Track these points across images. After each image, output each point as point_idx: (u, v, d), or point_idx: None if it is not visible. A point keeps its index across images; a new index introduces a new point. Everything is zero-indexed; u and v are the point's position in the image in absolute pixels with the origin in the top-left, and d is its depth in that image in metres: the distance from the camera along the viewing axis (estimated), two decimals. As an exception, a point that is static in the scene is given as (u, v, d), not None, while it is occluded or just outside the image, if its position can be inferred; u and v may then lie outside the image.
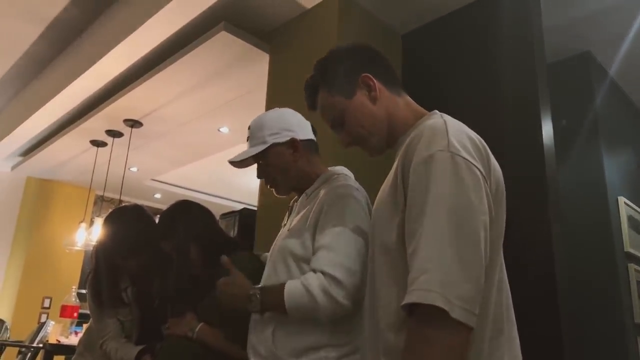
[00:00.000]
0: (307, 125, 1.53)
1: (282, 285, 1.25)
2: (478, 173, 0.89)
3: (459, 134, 0.94)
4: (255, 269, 1.48)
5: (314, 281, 1.20)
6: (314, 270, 1.23)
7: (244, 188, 6.42)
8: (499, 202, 0.95)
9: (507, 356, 0.90)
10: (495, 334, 0.89)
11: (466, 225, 0.84)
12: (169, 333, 1.64)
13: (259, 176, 1.51)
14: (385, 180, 1.07)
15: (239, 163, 1.50)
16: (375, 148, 1.15)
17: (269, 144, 1.44)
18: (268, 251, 1.52)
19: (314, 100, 1.22)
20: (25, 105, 4.47)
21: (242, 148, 1.54)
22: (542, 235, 2.03)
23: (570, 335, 1.94)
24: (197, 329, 1.56)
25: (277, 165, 1.46)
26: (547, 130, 2.23)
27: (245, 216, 3.16)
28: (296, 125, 1.49)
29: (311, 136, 1.52)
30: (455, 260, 0.81)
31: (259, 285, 1.33)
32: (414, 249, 0.85)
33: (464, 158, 0.89)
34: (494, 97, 2.38)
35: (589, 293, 2.77)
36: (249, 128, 1.52)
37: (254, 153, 1.46)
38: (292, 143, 1.45)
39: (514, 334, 0.95)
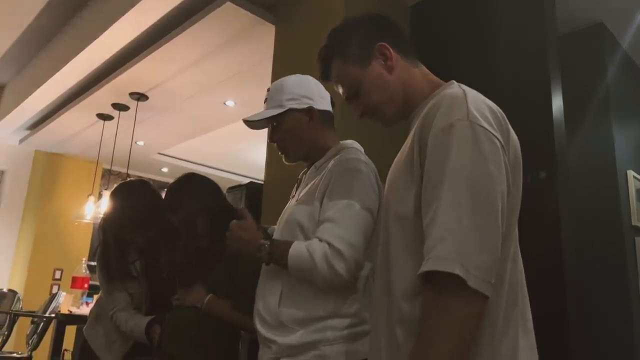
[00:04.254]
0: (327, 96, 1.51)
1: (290, 244, 1.27)
2: (497, 143, 0.88)
3: (478, 103, 0.92)
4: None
5: (318, 248, 1.22)
6: (320, 239, 1.24)
7: (251, 162, 6.42)
8: (516, 173, 0.95)
9: (521, 327, 0.91)
10: (509, 305, 0.89)
11: (484, 194, 0.84)
12: (177, 304, 1.67)
13: (271, 139, 1.50)
14: (400, 151, 1.05)
15: (253, 123, 1.49)
16: (389, 119, 1.13)
17: (285, 109, 1.43)
18: (275, 224, 1.52)
19: (328, 70, 1.19)
20: (31, 79, 4.45)
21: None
22: (550, 208, 2.02)
23: (575, 307, 1.95)
24: (205, 300, 1.59)
25: (291, 131, 1.45)
26: (557, 102, 2.20)
27: (252, 190, 3.16)
28: (316, 94, 1.47)
29: (329, 108, 1.50)
30: (473, 229, 0.81)
31: (272, 237, 1.35)
32: (432, 218, 0.84)
33: (484, 127, 0.87)
34: (504, 69, 2.34)
35: (595, 266, 2.78)
36: (268, 90, 1.51)
37: (269, 115, 1.45)
38: (309, 111, 1.44)
39: (527, 306, 0.95)
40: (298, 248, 1.25)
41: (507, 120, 0.96)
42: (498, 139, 0.89)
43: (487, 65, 2.40)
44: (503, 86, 2.29)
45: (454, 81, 1.06)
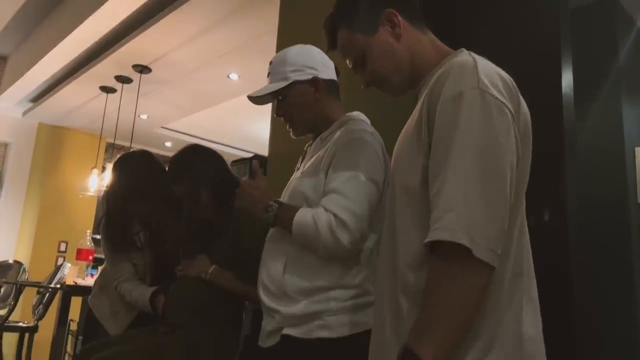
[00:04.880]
0: (331, 65, 1.47)
1: (296, 210, 1.27)
2: (508, 112, 0.86)
3: (489, 71, 0.90)
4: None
5: (323, 218, 1.21)
6: (325, 209, 1.23)
7: (254, 136, 6.39)
8: (526, 144, 0.93)
9: (525, 298, 0.90)
10: (515, 276, 0.89)
11: (493, 165, 0.83)
12: (181, 275, 1.67)
13: (277, 113, 1.47)
14: (408, 121, 1.03)
15: (258, 99, 1.46)
16: (397, 88, 1.10)
17: (290, 81, 1.40)
18: (280, 197, 1.51)
19: (334, 39, 1.16)
20: (33, 51, 4.42)
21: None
22: (556, 182, 2.00)
23: (579, 287, 1.95)
24: (209, 271, 1.59)
25: (297, 103, 1.42)
26: (567, 78, 2.16)
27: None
28: (320, 63, 1.43)
29: (334, 77, 1.47)
30: (480, 200, 0.80)
31: (279, 200, 1.34)
32: (439, 188, 0.83)
33: (494, 96, 0.86)
34: (514, 42, 2.29)
35: (599, 243, 2.77)
36: (270, 63, 1.47)
37: (273, 89, 1.42)
38: (314, 81, 1.41)
39: (533, 278, 0.95)
40: (303, 215, 1.25)
41: (517, 90, 0.94)
42: (508, 108, 0.87)
43: (496, 38, 2.36)
44: (512, 59, 2.23)
45: (463, 49, 1.03)
